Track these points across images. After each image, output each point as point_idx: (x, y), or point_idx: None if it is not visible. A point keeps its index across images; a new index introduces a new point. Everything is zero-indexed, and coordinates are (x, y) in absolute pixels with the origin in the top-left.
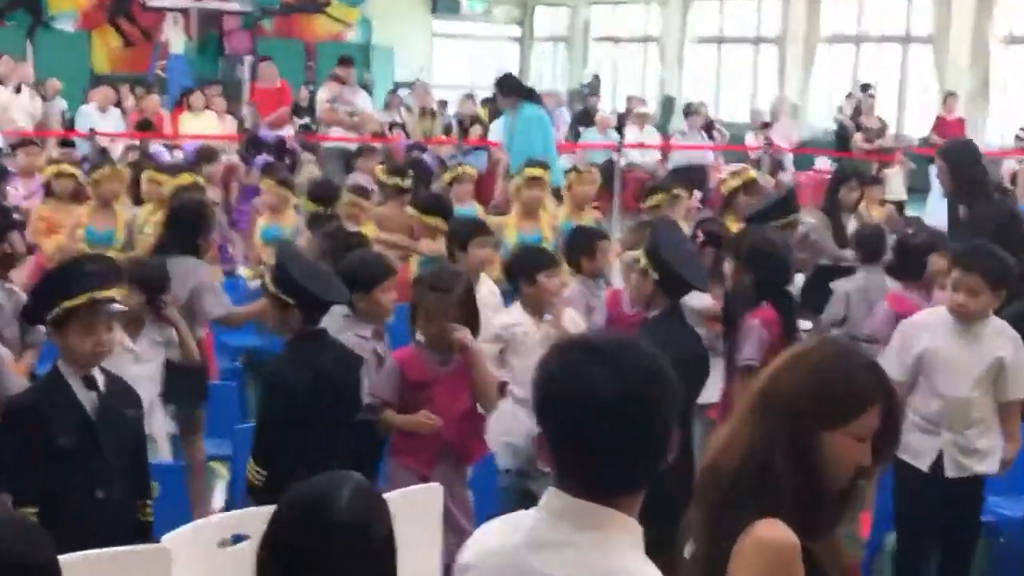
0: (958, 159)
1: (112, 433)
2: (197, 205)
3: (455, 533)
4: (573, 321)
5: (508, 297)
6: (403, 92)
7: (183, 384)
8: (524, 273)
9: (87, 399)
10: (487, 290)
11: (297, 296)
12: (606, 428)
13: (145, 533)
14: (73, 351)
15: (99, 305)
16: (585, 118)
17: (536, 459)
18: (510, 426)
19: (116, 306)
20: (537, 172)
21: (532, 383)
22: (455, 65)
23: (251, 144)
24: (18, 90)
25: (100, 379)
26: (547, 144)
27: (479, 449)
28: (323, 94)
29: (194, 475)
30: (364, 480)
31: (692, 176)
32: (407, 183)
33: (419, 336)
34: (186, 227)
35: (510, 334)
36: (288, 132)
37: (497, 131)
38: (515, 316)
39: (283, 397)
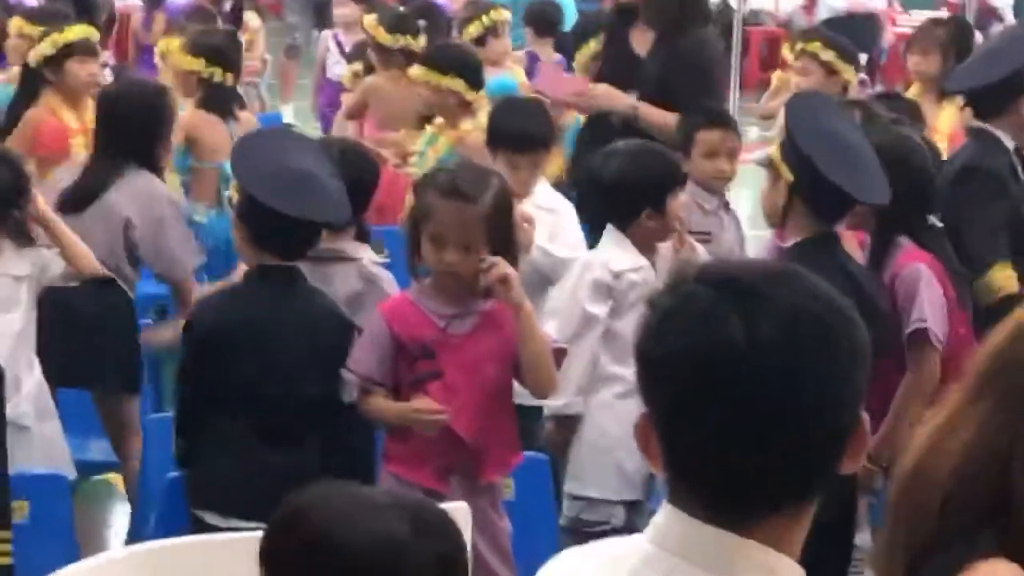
0: None
1: None
2: (150, 94)
3: None
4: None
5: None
6: None
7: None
8: (649, 197)
9: None
10: (537, 203)
11: (249, 210)
12: (744, 398)
13: None
14: None
15: None
16: None
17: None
18: (614, 433)
19: None
20: None
21: (634, 335)
22: None
23: None
24: None
25: None
26: None
27: (505, 458)
28: None
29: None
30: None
31: (855, 32)
32: (420, 42)
33: (420, 279)
34: (133, 128)
35: (626, 284)
36: None
37: None
38: (627, 257)
39: (193, 348)
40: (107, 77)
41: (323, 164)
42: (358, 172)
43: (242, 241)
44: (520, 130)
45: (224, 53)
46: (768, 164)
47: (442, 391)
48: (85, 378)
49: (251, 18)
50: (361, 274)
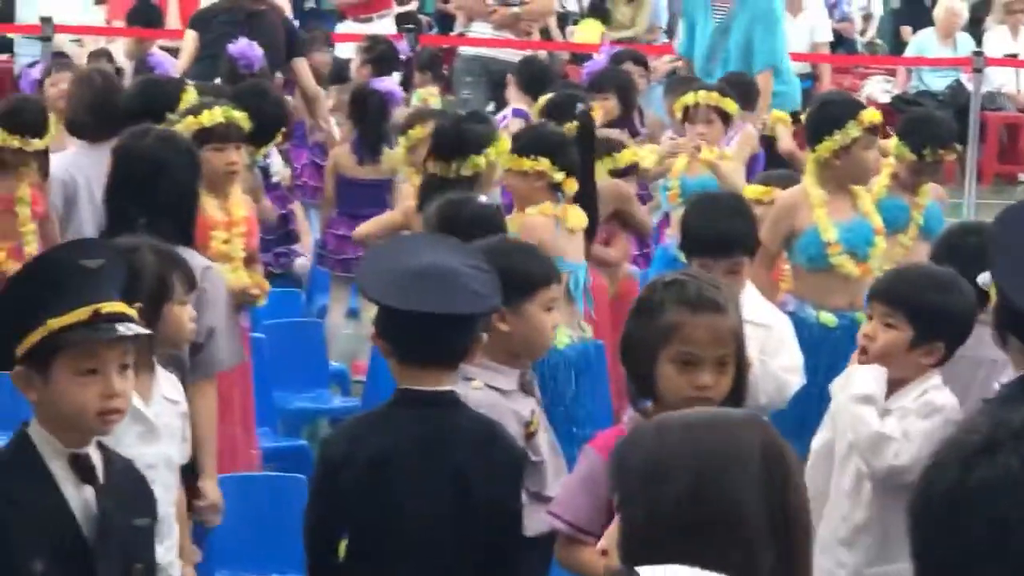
0: None
1: (115, 557)
2: (169, 149)
3: None
4: None
5: None
6: None
7: None
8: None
9: (76, 498)
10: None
11: (378, 319)
12: None
13: None
14: (65, 410)
15: (107, 325)
16: (913, 8)
17: None
18: None
19: (131, 327)
20: (878, 117)
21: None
22: None
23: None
24: None
25: (97, 460)
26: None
27: None
28: None
29: None
30: None
31: None
32: (568, 126)
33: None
34: (149, 194)
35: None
36: (387, 26)
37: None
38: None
39: (320, 483)
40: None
41: (461, 257)
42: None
43: (388, 360)
44: (715, 232)
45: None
46: (987, 285)
47: None
48: None
49: (429, 94)
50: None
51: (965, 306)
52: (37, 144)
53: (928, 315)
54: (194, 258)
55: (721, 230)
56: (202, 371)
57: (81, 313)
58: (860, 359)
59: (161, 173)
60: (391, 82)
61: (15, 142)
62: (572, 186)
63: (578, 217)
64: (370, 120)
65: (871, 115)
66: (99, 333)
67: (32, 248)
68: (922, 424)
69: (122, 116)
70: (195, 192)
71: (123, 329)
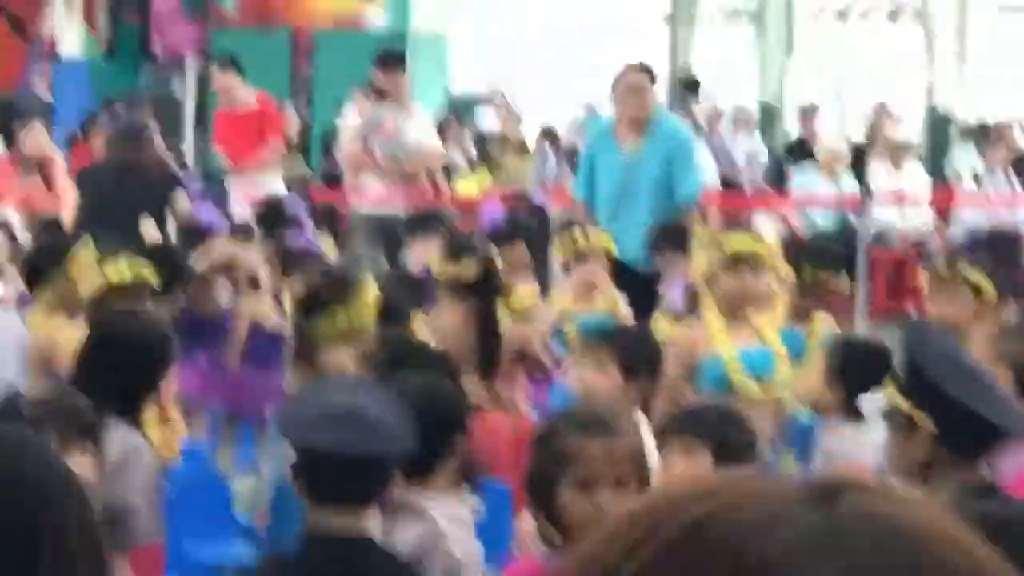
0: None
1: None
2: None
3: None
4: None
5: None
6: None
7: None
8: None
9: None
10: None
11: (294, 459)
12: None
13: None
14: None
15: None
16: (798, 151)
17: None
18: None
19: None
20: (750, 245)
21: None
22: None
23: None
24: None
25: None
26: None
27: None
28: (349, 119)
29: None
30: None
31: (999, 253)
32: (470, 268)
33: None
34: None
35: None
36: (277, 187)
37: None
38: None
39: None
40: None
41: (376, 399)
42: (438, 414)
43: (302, 500)
44: None
45: None
46: (893, 416)
47: None
48: None
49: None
50: (427, 530)
51: None
52: None
53: None
54: (130, 436)
55: None
56: (116, 545)
57: None
58: None
59: (130, 355)
60: None
61: None
62: None
63: None
64: None
65: (734, 242)
66: None
67: None
68: None
69: None
70: (156, 378)
71: None
